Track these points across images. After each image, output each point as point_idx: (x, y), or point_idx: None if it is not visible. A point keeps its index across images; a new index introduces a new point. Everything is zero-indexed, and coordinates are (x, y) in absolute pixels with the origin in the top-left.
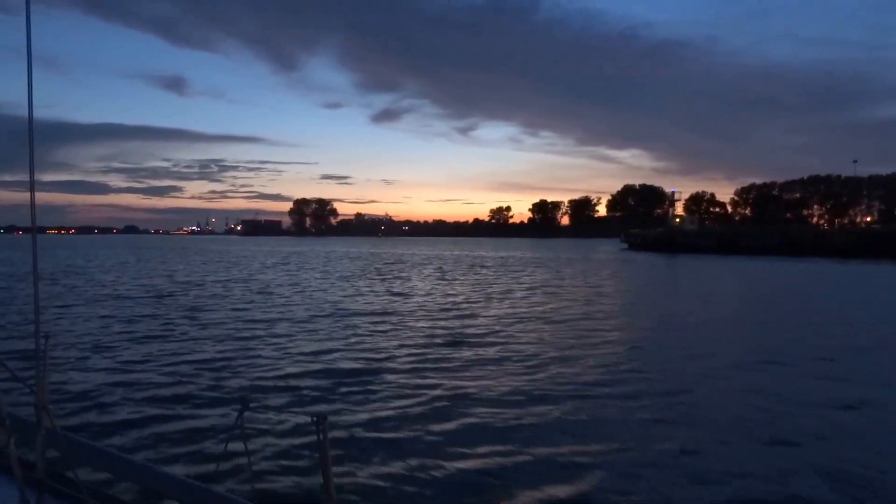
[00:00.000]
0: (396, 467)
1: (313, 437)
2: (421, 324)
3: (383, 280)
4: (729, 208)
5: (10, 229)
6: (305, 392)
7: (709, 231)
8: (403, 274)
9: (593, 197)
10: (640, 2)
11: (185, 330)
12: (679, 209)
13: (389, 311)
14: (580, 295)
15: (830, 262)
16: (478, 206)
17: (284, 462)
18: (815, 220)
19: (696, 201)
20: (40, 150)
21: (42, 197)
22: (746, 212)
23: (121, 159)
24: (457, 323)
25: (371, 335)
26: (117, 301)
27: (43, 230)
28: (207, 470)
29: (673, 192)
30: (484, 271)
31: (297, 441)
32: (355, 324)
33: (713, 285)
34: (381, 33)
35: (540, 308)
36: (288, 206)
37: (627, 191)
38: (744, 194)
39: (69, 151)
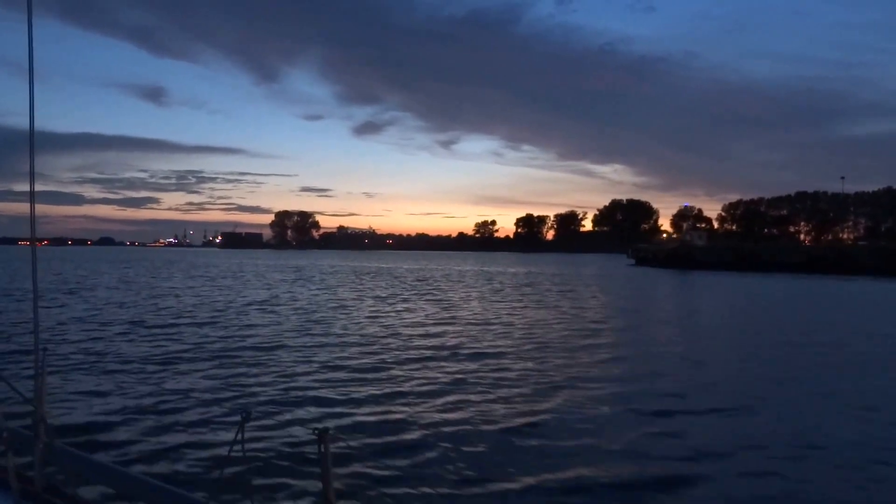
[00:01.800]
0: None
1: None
2: (581, 369)
3: (434, 300)
4: (715, 224)
5: None
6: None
7: (723, 246)
8: (443, 292)
9: (579, 211)
10: (619, 17)
11: (311, 393)
12: (666, 224)
13: (507, 350)
14: (668, 317)
15: (866, 281)
16: (459, 220)
17: (286, 477)
18: (801, 236)
19: (681, 216)
20: (11, 159)
21: (13, 207)
22: (733, 227)
23: (97, 170)
24: (626, 368)
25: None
26: (154, 329)
27: (14, 241)
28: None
29: (686, 206)
30: (527, 289)
31: (299, 455)
32: (504, 366)
33: (789, 306)
34: (362, 45)
35: (678, 341)
36: (267, 218)
37: (615, 205)
38: (731, 210)
39: (44, 161)
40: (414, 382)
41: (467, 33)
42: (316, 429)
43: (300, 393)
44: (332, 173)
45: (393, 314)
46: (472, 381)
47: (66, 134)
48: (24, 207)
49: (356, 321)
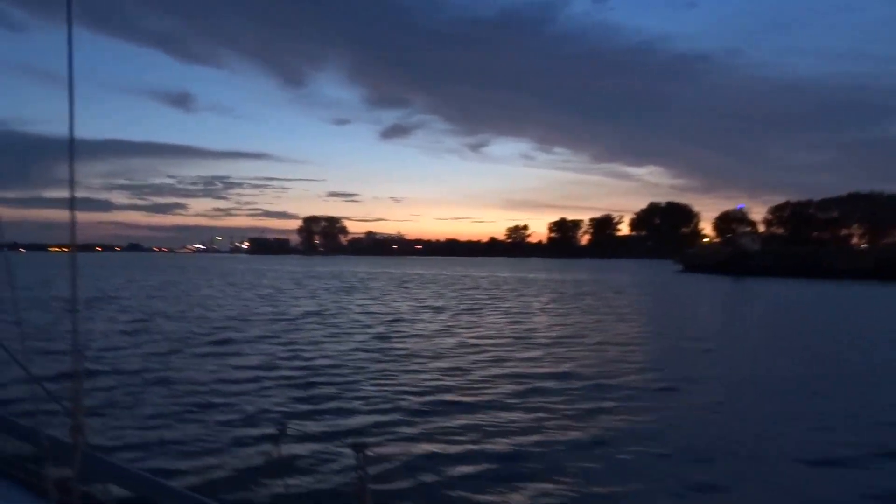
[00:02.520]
0: None
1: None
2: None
3: (498, 312)
4: (761, 227)
5: (13, 247)
6: None
7: (778, 251)
8: (499, 300)
9: (615, 215)
10: (658, 14)
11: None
12: (708, 228)
13: (619, 375)
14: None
15: None
16: (489, 225)
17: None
18: (854, 240)
19: (724, 220)
20: (41, 166)
21: (44, 214)
22: (780, 231)
23: (125, 176)
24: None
25: None
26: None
27: (44, 247)
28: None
29: (741, 208)
30: (589, 299)
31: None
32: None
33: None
34: (389, 48)
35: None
36: (293, 224)
37: (653, 209)
38: (777, 212)
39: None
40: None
41: (497, 34)
42: (354, 444)
43: (410, 427)
44: (359, 178)
45: (461, 327)
46: (612, 423)
47: (95, 141)
48: (53, 214)
49: (426, 335)
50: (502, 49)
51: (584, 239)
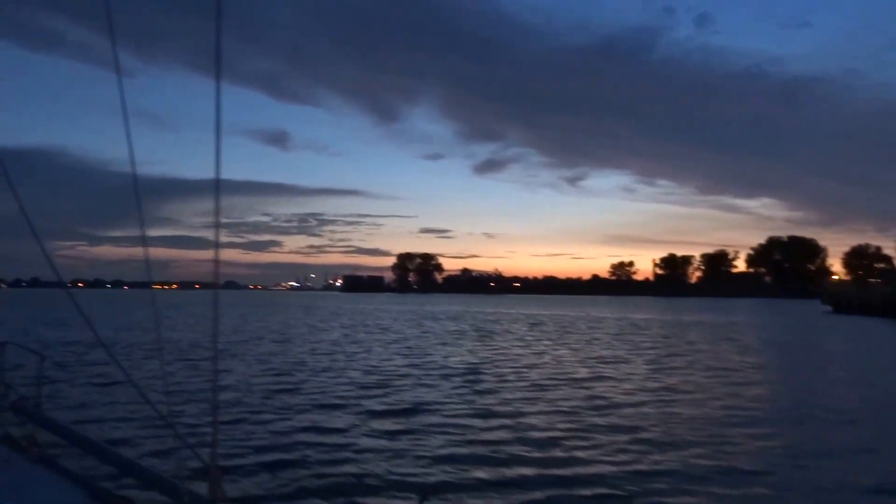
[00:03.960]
0: None
1: None
2: None
3: (698, 367)
4: None
5: (117, 284)
6: None
7: None
8: (705, 351)
9: (730, 251)
10: (769, 36)
11: None
12: (837, 265)
13: None
14: None
15: None
16: (588, 261)
17: None
18: None
19: (856, 255)
20: (148, 205)
21: (149, 252)
22: None
23: (224, 214)
24: None
25: None
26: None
27: (148, 285)
28: None
29: None
30: (779, 350)
31: None
32: None
33: None
34: (483, 81)
35: None
36: (385, 260)
37: (773, 243)
38: None
39: (175, 207)
40: None
41: (596, 62)
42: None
43: None
44: (452, 214)
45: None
46: None
47: (196, 180)
48: (156, 252)
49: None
50: (601, 78)
51: (695, 276)
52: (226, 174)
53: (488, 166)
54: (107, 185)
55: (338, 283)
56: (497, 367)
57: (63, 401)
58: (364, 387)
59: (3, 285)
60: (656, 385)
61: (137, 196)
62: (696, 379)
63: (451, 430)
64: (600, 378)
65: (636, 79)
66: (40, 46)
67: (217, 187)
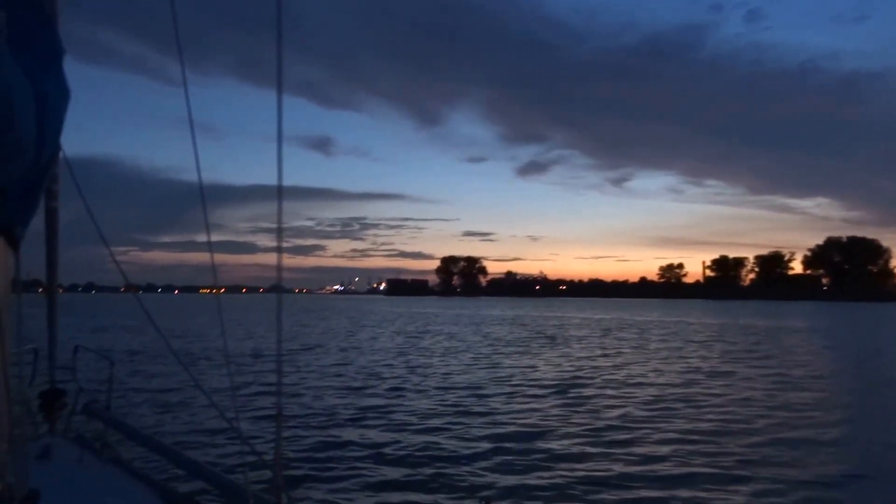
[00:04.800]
0: None
1: None
2: None
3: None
4: None
5: (168, 289)
6: None
7: None
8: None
9: (785, 252)
10: (823, 31)
11: None
12: None
13: None
14: None
15: None
16: (634, 264)
17: None
18: None
19: None
20: (196, 212)
21: (197, 257)
22: None
23: (269, 219)
24: None
25: None
26: None
27: (195, 289)
28: None
29: None
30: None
31: None
32: None
33: None
34: (526, 83)
35: None
36: (428, 264)
37: (831, 244)
38: None
39: (223, 213)
40: None
41: (642, 62)
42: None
43: None
44: (495, 217)
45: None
46: None
47: (241, 186)
48: (205, 257)
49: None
50: (648, 77)
51: (748, 278)
52: (270, 180)
53: (531, 168)
54: (156, 192)
55: (381, 287)
56: (593, 379)
57: (131, 404)
58: (442, 402)
59: (59, 290)
60: (809, 400)
61: (204, 204)
62: (846, 397)
63: (574, 461)
64: (723, 395)
65: (683, 77)
66: (91, 58)
67: (279, 195)
